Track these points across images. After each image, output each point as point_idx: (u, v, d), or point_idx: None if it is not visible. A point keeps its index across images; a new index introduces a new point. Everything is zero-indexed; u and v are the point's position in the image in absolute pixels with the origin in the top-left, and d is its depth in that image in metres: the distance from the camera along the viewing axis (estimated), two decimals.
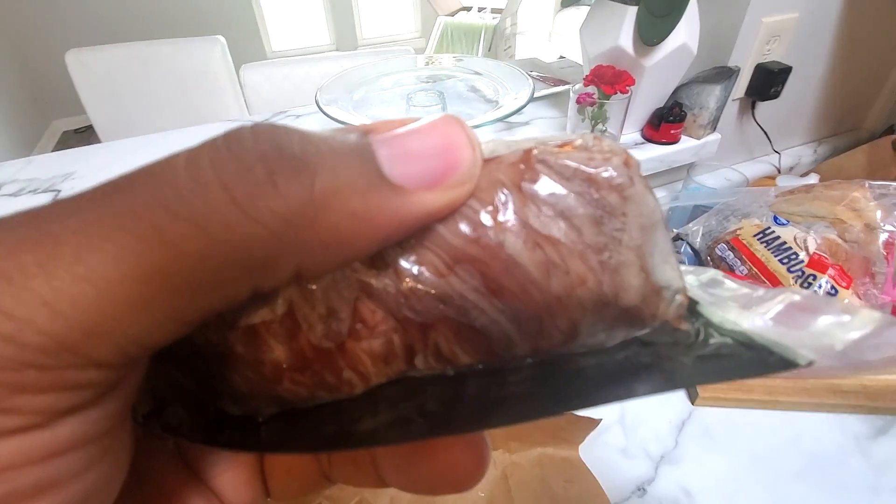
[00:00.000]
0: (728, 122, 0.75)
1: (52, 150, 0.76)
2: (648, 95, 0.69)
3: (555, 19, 3.61)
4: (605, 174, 0.12)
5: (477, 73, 0.80)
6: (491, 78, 0.77)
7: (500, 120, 0.71)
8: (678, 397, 0.56)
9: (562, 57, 2.68)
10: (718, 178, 0.76)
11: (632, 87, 0.63)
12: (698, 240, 0.56)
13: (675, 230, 0.62)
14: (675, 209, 0.74)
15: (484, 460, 0.13)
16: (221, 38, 1.23)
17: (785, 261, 0.47)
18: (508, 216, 0.11)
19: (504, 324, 0.12)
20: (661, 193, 0.79)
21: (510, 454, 0.49)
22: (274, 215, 0.09)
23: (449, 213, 0.11)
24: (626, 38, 0.63)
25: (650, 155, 0.70)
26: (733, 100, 0.73)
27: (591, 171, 0.12)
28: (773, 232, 0.49)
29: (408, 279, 0.12)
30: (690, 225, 0.58)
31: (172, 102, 1.25)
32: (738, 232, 0.52)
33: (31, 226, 0.08)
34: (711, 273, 0.15)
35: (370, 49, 1.20)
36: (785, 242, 0.48)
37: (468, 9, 3.02)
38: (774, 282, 0.47)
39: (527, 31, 3.56)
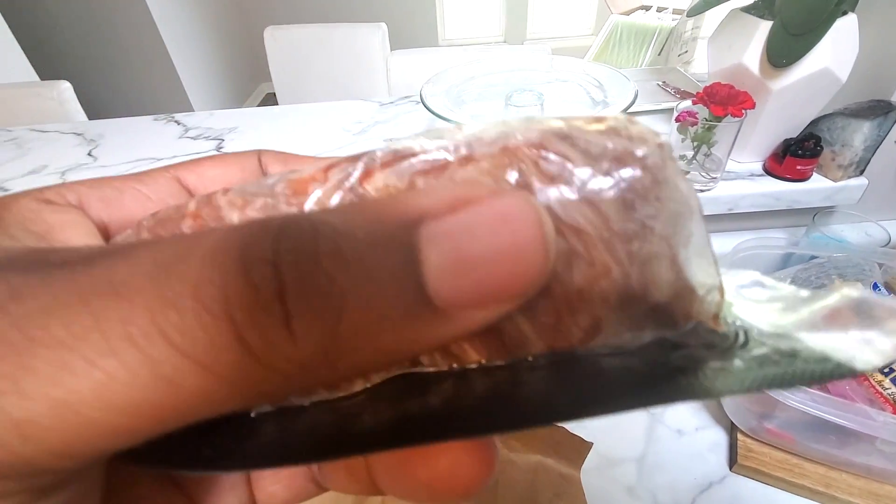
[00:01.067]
0: (883, 168, 0.62)
1: (215, 110, 0.95)
2: (775, 123, 0.61)
3: None
4: (638, 153, 0.11)
5: (597, 83, 0.78)
6: (608, 87, 0.75)
7: None
8: (716, 457, 0.51)
9: None
10: (857, 231, 0.64)
11: (749, 111, 0.56)
12: None
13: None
14: (793, 257, 0.64)
15: (491, 463, 0.12)
16: (384, 25, 1.37)
17: None
18: (506, 182, 0.11)
19: (517, 318, 0.11)
20: (778, 234, 0.69)
21: (508, 451, 0.50)
22: (289, 362, 0.08)
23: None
24: (751, 56, 0.56)
25: (766, 189, 0.62)
26: (895, 142, 0.61)
27: (622, 149, 0.11)
28: None
29: None
30: (778, 273, 0.51)
31: (336, 79, 1.44)
32: None
33: (7, 321, 0.08)
34: (750, 274, 0.13)
35: (529, 44, 1.22)
36: None
37: (647, 8, 2.82)
38: None
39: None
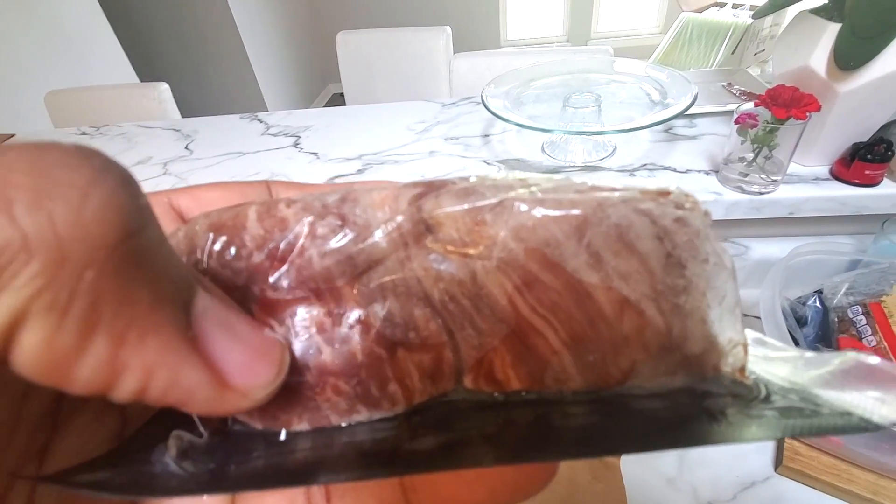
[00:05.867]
0: None
1: (293, 110, 1.04)
2: (843, 126, 0.59)
3: None
4: (690, 219, 0.12)
5: (658, 84, 0.78)
6: (668, 88, 0.75)
7: (653, 126, 0.71)
8: (761, 457, 0.51)
9: None
10: None
11: (815, 114, 0.56)
12: (839, 295, 0.49)
13: (821, 282, 0.54)
14: (857, 264, 0.62)
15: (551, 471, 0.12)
16: (448, 29, 1.42)
17: None
18: (589, 250, 0.11)
19: (564, 354, 0.12)
20: (844, 240, 0.67)
21: None
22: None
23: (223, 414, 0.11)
24: (818, 59, 0.55)
25: (832, 194, 0.61)
26: None
27: (679, 215, 0.12)
28: None
29: (472, 294, 0.12)
30: (835, 278, 0.50)
31: (402, 80, 1.51)
32: (885, 298, 0.44)
33: None
34: (752, 333, 0.15)
35: (593, 44, 1.24)
36: None
37: (721, 4, 2.70)
38: None
39: None
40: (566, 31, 3.57)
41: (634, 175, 0.68)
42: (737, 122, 0.58)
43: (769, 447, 0.51)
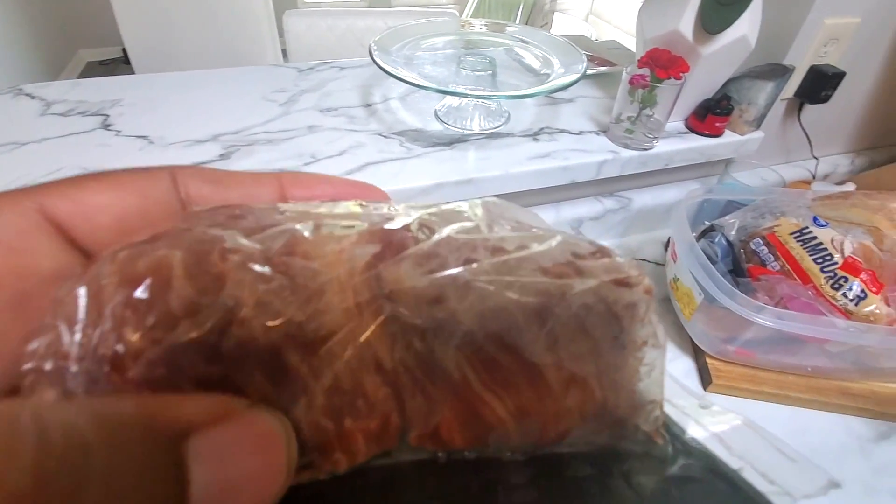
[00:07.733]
0: (772, 122, 0.75)
1: (78, 79, 0.77)
2: (699, 85, 0.68)
3: (594, 1, 3.52)
4: (638, 300, 0.13)
5: (524, 42, 0.79)
6: (539, 49, 0.77)
7: (548, 93, 0.71)
8: (691, 381, 0.58)
9: (596, 39, 2.62)
10: (755, 176, 0.76)
11: (685, 74, 0.63)
12: (733, 232, 0.57)
13: (706, 222, 0.63)
14: (707, 202, 0.74)
15: None
16: None
17: (819, 261, 0.48)
18: (548, 336, 0.12)
19: (509, 422, 0.12)
20: (694, 186, 0.80)
21: None
22: None
23: None
24: (686, 24, 0.62)
25: (692, 145, 0.71)
26: (781, 99, 0.73)
27: (628, 298, 0.12)
28: (811, 232, 0.50)
29: (427, 366, 0.12)
30: (727, 217, 0.59)
31: (212, 41, 1.24)
32: (776, 229, 0.53)
33: None
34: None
35: (406, 9, 1.19)
36: (821, 243, 0.49)
37: None
38: (806, 280, 0.48)
39: (567, 9, 3.47)
40: None
41: (538, 140, 0.68)
42: (631, 82, 0.62)
43: (693, 372, 0.59)
